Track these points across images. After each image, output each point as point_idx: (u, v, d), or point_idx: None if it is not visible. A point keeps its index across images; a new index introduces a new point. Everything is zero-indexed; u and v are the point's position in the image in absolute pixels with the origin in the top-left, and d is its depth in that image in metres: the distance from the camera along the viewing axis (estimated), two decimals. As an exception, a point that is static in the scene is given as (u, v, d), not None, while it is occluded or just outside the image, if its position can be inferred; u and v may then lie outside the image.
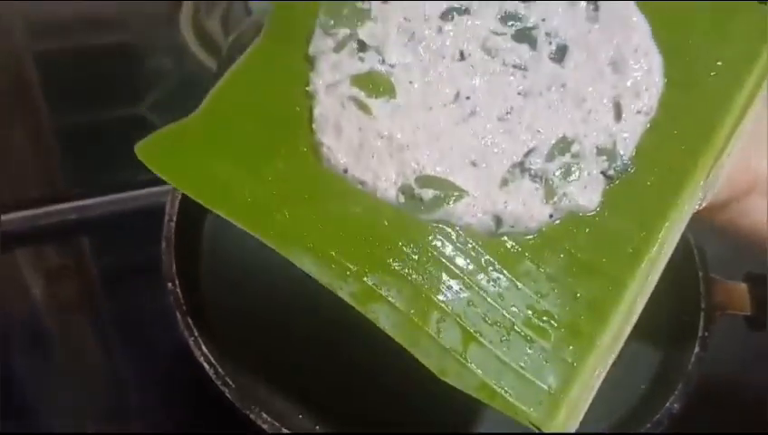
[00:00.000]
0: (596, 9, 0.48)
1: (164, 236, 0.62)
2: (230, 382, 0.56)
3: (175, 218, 0.63)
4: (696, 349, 0.62)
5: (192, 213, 0.65)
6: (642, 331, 0.61)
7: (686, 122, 0.46)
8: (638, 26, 0.48)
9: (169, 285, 0.60)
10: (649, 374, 0.64)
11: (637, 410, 0.62)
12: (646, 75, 0.47)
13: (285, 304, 0.62)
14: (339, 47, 0.47)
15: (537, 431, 0.40)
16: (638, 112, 0.46)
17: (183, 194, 0.61)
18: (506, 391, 0.40)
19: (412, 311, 0.42)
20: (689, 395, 0.60)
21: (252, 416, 0.55)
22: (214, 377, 0.56)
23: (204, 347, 0.57)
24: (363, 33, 0.47)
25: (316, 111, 0.45)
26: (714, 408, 0.67)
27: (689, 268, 0.67)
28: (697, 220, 0.47)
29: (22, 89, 0.88)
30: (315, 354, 0.61)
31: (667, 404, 0.59)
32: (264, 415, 0.55)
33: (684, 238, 0.60)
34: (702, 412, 0.63)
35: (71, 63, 0.91)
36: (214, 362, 0.57)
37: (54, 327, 0.70)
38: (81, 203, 0.77)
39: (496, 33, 0.47)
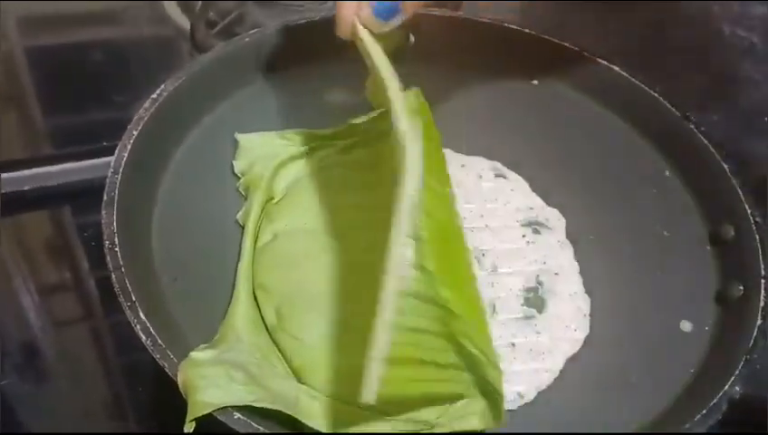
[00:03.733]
0: None
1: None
2: (170, 355, 0.44)
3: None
4: (759, 321, 0.50)
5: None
6: (687, 307, 0.51)
7: None
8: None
9: (107, 243, 0.49)
10: (699, 356, 0.51)
11: (685, 398, 0.49)
12: None
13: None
14: None
15: None
16: None
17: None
18: None
19: None
20: (754, 377, 0.47)
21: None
22: (151, 349, 0.45)
23: (141, 315, 0.46)
24: None
25: None
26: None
27: (745, 235, 0.56)
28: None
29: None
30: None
31: (726, 387, 0.46)
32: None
33: (740, 206, 0.56)
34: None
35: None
36: (153, 332, 0.45)
37: (51, 343, 0.61)
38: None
39: None
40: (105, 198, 0.52)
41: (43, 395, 0.57)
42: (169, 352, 0.45)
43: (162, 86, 0.60)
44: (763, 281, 0.53)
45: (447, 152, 0.64)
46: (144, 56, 0.87)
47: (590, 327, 0.54)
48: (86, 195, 0.54)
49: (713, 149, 0.61)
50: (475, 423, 0.46)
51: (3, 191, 0.65)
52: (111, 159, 0.54)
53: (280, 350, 0.49)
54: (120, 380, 0.58)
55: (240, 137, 0.61)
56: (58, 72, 0.82)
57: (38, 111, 0.79)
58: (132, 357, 0.58)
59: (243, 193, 0.58)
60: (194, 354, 0.45)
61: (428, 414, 0.46)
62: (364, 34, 0.50)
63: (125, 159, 0.55)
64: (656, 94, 0.65)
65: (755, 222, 0.56)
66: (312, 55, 0.67)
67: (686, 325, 0.53)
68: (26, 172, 0.66)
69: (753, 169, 0.71)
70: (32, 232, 0.68)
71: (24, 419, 0.55)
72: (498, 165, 0.63)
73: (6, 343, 0.59)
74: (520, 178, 0.63)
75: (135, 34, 0.90)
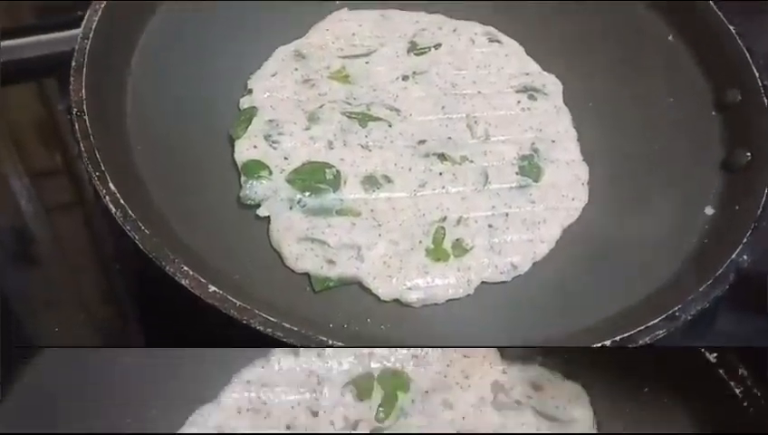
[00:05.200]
0: None
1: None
2: (142, 227, 0.42)
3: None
4: (768, 187, 0.47)
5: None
6: (691, 175, 0.49)
7: None
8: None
9: (75, 110, 0.46)
10: (704, 225, 0.49)
11: (690, 268, 0.47)
12: None
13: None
14: None
15: None
16: None
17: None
18: None
19: None
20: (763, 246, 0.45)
21: (169, 269, 0.40)
22: (121, 220, 0.42)
23: (111, 185, 0.43)
24: None
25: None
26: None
27: (753, 99, 0.53)
28: None
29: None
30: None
31: (733, 256, 0.44)
32: (185, 268, 0.41)
33: (747, 68, 0.53)
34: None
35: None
36: (123, 202, 0.42)
37: (44, 230, 0.58)
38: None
39: None
40: (74, 63, 0.49)
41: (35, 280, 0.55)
42: (141, 224, 0.42)
43: (136, -51, 0.55)
44: (773, 146, 0.50)
45: (439, 17, 0.61)
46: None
47: (589, 196, 0.51)
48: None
49: (718, 11, 0.57)
50: None
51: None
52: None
53: None
54: (111, 264, 0.56)
55: None
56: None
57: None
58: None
59: None
60: None
61: None
62: None
63: (95, 24, 0.52)
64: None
65: (763, 85, 0.53)
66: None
67: (690, 194, 0.51)
68: (8, 42, 0.63)
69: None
70: (18, 112, 0.65)
71: (17, 306, 0.53)
72: (492, 30, 0.60)
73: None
74: (515, 42, 0.59)
75: None
